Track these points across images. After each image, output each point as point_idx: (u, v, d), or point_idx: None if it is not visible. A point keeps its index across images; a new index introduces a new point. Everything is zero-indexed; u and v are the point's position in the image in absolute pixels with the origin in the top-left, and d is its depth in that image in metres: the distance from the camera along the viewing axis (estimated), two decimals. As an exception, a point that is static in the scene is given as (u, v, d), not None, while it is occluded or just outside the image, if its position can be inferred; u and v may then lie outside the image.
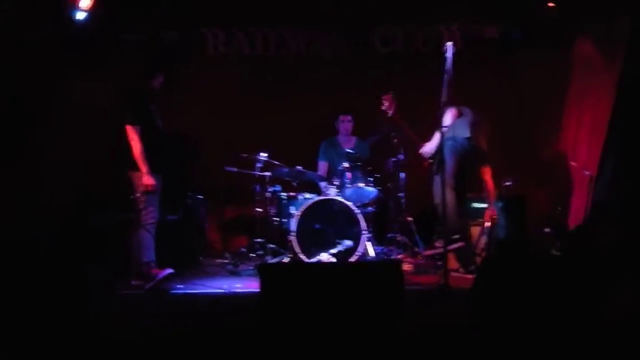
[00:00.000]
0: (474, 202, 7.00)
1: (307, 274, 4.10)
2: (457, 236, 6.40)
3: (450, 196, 6.25)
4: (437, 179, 6.32)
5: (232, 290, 5.90)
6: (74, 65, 7.27)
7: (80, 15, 6.68)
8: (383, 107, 6.75)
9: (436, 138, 6.41)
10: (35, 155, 7.02)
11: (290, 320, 3.90)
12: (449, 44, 5.50)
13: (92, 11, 6.71)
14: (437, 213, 6.41)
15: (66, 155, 7.10)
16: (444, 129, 5.84)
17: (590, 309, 3.97)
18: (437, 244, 6.62)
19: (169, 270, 5.91)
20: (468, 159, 6.59)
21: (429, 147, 6.63)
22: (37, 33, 6.69)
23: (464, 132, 6.51)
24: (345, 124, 7.68)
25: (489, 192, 6.73)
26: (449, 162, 6.29)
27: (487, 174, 6.73)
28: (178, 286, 5.97)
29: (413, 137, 6.62)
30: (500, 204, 6.86)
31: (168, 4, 7.65)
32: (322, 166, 7.72)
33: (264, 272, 4.08)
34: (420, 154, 6.71)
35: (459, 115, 6.50)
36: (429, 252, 6.85)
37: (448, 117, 6.24)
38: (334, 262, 6.27)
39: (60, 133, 7.17)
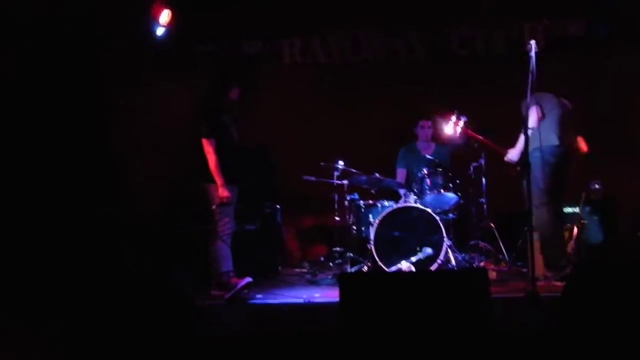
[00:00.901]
0: (564, 206, 6.72)
1: (388, 283, 3.98)
2: (563, 264, 5.88)
3: (546, 217, 5.87)
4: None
5: (311, 299, 5.85)
6: (155, 78, 7.43)
7: (160, 31, 6.79)
8: (449, 133, 6.37)
9: (521, 142, 5.92)
10: (119, 165, 7.18)
11: (371, 330, 3.79)
12: (532, 42, 5.29)
13: (170, 25, 6.82)
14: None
15: (149, 167, 7.24)
16: (530, 131, 5.51)
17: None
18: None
19: (248, 279, 5.91)
20: (561, 169, 6.04)
21: (514, 153, 6.19)
22: (118, 44, 6.83)
23: (551, 139, 6.01)
24: (425, 129, 7.54)
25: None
26: (539, 177, 5.84)
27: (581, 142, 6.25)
28: (257, 296, 5.96)
29: (494, 146, 6.19)
30: (588, 208, 6.58)
31: (244, 15, 7.71)
32: (401, 173, 7.59)
33: (344, 282, 3.99)
34: (507, 161, 6.25)
35: (542, 115, 6.03)
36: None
37: (532, 118, 5.74)
38: (416, 271, 6.12)
39: (144, 143, 7.33)
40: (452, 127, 6.16)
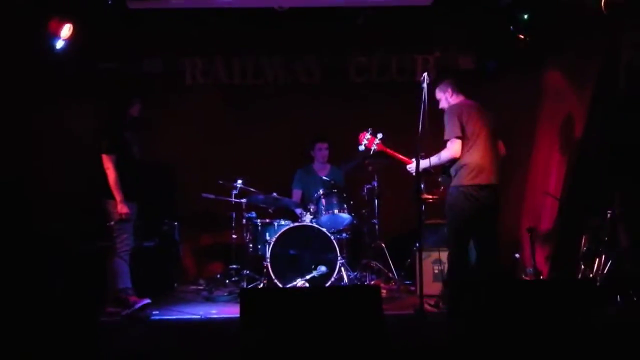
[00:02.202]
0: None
1: (288, 299, 4.15)
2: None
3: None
4: None
5: (208, 316, 5.93)
6: (54, 92, 7.33)
7: (60, 44, 6.70)
8: (363, 147, 6.27)
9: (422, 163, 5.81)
10: (22, 181, 7.03)
11: (271, 345, 3.93)
12: (425, 74, 5.62)
13: (71, 40, 6.75)
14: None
15: (51, 181, 7.14)
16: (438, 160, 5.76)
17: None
18: None
19: (147, 300, 5.93)
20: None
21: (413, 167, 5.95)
22: (17, 57, 6.70)
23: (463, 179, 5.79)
24: (322, 151, 7.77)
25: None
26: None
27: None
28: (154, 312, 5.98)
29: (403, 158, 6.05)
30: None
31: (146, 34, 7.72)
32: (296, 194, 7.78)
33: (245, 297, 4.11)
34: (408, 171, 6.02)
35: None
36: None
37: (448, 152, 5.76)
38: (314, 287, 6.30)
39: (50, 160, 7.23)
40: (368, 143, 6.24)
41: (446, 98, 6.01)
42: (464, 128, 5.73)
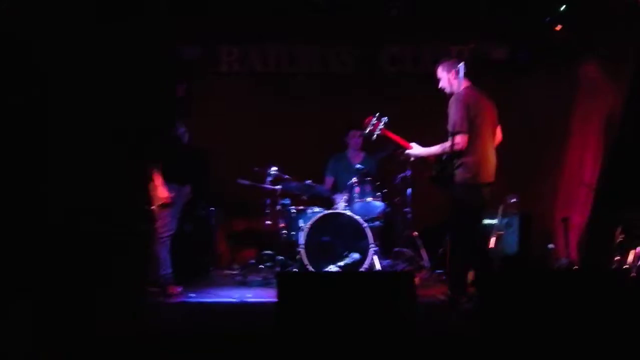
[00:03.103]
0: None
1: (323, 283, 4.24)
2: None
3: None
4: None
5: (244, 299, 6.06)
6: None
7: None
8: (367, 130, 6.29)
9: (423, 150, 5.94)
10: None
11: (306, 329, 4.02)
12: (461, 64, 5.61)
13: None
14: None
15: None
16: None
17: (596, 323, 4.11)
18: None
19: (179, 289, 6.09)
20: None
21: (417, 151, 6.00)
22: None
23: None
24: (355, 139, 7.84)
25: None
26: None
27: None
28: (190, 294, 6.11)
29: (404, 142, 6.09)
30: (505, 220, 7.02)
31: (185, 21, 7.82)
32: (329, 181, 7.89)
33: (282, 280, 4.21)
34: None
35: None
36: None
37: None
38: (348, 272, 6.38)
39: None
40: (372, 128, 6.26)
41: (449, 79, 5.76)
42: (472, 121, 5.51)
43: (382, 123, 6.22)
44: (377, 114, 6.28)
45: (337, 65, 8.39)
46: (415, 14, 7.79)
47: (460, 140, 5.46)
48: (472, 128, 5.50)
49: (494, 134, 5.80)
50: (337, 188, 7.74)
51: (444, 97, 5.71)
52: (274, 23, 8.03)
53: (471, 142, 5.51)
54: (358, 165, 7.45)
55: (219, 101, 8.07)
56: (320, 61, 8.37)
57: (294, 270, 6.97)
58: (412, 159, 6.15)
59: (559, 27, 6.98)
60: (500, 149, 6.91)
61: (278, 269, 7.13)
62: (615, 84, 6.93)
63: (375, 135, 6.27)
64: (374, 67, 8.40)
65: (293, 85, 8.32)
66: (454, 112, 5.50)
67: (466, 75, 5.63)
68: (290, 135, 8.04)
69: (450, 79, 5.76)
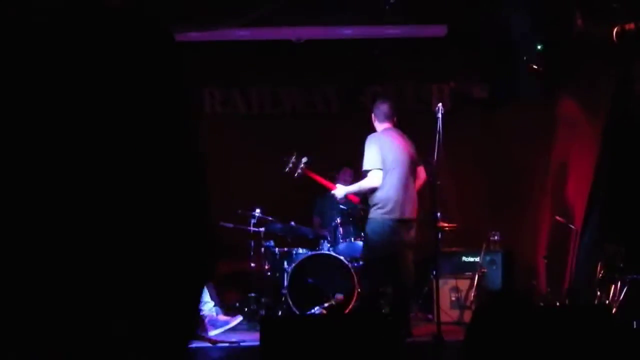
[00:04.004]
0: (463, 255, 7.19)
1: (308, 326, 4.22)
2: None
3: None
4: None
5: (229, 343, 5.99)
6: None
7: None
8: (287, 169, 6.41)
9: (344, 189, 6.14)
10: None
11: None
12: (439, 105, 5.73)
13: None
14: None
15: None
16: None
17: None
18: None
19: None
20: None
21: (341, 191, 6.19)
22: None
23: None
24: (345, 176, 7.84)
25: None
26: None
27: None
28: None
29: (327, 184, 6.27)
30: (488, 257, 7.05)
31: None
32: (316, 221, 7.89)
33: (266, 324, 4.19)
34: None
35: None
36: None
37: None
38: (333, 314, 6.35)
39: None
40: (292, 167, 6.31)
41: (373, 120, 6.04)
42: (384, 160, 5.73)
43: (303, 163, 6.23)
44: (296, 153, 6.28)
45: (321, 105, 8.46)
46: (397, 54, 7.92)
47: (374, 176, 5.73)
48: (384, 166, 5.74)
49: (413, 173, 5.92)
50: (324, 227, 7.74)
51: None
52: (257, 66, 8.11)
53: (384, 179, 5.73)
54: (341, 206, 7.45)
55: (202, 143, 8.06)
56: (304, 102, 8.44)
57: (280, 312, 6.91)
58: (338, 199, 6.22)
59: (535, 67, 7.09)
60: (482, 186, 7.03)
61: (263, 312, 7.08)
62: (592, 119, 7.02)
63: (296, 175, 6.27)
64: (358, 106, 8.48)
65: (277, 126, 8.36)
66: (366, 151, 5.81)
67: (444, 113, 5.73)
68: (275, 177, 8.03)
69: (373, 119, 6.03)
